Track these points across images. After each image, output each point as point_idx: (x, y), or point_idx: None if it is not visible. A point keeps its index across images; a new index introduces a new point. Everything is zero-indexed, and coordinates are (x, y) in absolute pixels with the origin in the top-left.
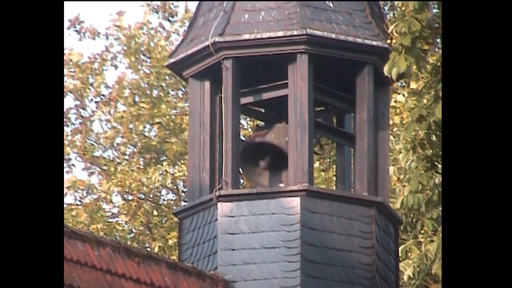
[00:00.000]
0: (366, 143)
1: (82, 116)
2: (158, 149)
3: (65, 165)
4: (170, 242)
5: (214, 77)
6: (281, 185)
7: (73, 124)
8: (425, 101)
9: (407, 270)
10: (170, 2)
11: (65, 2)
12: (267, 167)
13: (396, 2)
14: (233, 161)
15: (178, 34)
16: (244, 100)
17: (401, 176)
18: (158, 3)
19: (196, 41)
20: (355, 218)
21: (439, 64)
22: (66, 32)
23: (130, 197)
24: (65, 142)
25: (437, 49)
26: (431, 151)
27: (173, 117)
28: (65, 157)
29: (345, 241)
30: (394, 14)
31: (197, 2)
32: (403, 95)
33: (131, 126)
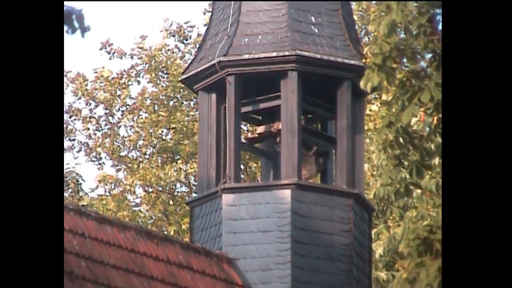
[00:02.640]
0: (345, 145)
1: (110, 123)
2: (173, 150)
3: (96, 163)
4: (183, 226)
5: (219, 90)
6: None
7: (103, 129)
8: (394, 110)
9: (378, 249)
10: (185, 27)
11: (97, 27)
12: None
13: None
14: (235, 160)
15: (191, 55)
16: (244, 109)
17: (374, 172)
18: (175, 28)
19: (204, 60)
20: (336, 207)
21: (405, 79)
22: (98, 52)
23: (150, 190)
24: (97, 144)
25: (403, 67)
26: (398, 151)
27: (186, 123)
28: (97, 156)
29: (328, 226)
30: (368, 38)
31: (206, 27)
32: (376, 105)
33: (151, 130)
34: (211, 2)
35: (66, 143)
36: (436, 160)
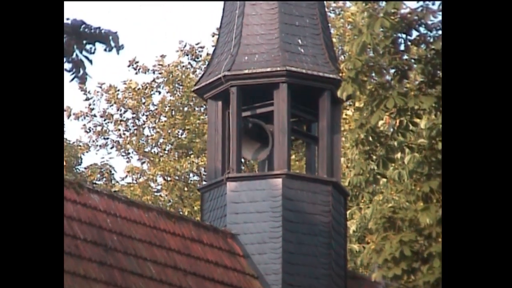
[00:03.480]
0: (325, 142)
1: (137, 125)
2: (187, 146)
3: (125, 157)
4: (195, 208)
5: (224, 98)
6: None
7: (131, 130)
8: (364, 114)
9: (352, 226)
10: (196, 48)
11: (126, 47)
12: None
13: (345, 48)
14: (237, 155)
15: (201, 70)
16: (244, 114)
17: (349, 164)
18: (188, 48)
19: (212, 74)
20: (318, 192)
21: (373, 90)
22: (126, 68)
23: (168, 179)
24: (126, 141)
25: (372, 80)
26: (368, 147)
27: (198, 125)
28: (126, 151)
29: (312, 207)
30: (344, 56)
31: (213, 48)
32: (350, 110)
33: (169, 131)
34: (218, 27)
35: (101, 141)
36: (398, 155)
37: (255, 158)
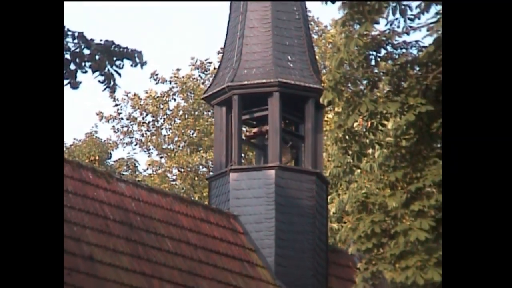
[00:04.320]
0: (310, 140)
1: (156, 126)
2: (197, 144)
3: (147, 152)
4: (204, 194)
5: (228, 104)
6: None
7: (151, 130)
8: (342, 117)
9: (332, 209)
10: (205, 63)
11: (148, 62)
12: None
13: (326, 63)
14: (238, 150)
15: (209, 81)
16: (244, 117)
17: (329, 159)
18: (198, 63)
19: (218, 85)
20: (304, 181)
21: (349, 97)
22: (148, 80)
23: (182, 170)
24: (147, 140)
25: (348, 89)
26: (345, 144)
27: (206, 126)
28: (147, 148)
29: (299, 193)
30: (325, 69)
31: (219, 63)
32: (331, 114)
33: (183, 131)
34: (223, 46)
35: (127, 140)
36: (370, 150)
37: (254, 154)
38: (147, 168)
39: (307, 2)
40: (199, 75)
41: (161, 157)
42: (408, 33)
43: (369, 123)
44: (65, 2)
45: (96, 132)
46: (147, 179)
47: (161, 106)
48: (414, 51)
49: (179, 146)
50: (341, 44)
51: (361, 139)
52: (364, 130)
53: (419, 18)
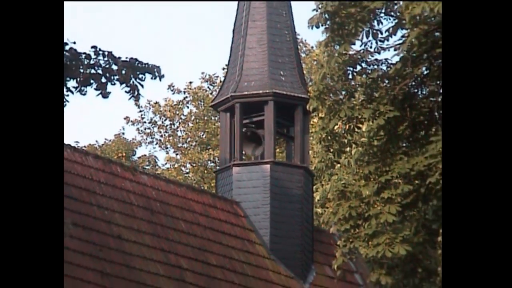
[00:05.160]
0: (299, 139)
1: (172, 128)
2: (206, 143)
3: (165, 150)
4: (212, 184)
5: (231, 111)
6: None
7: (168, 132)
8: (325, 121)
9: (316, 196)
10: (213, 77)
11: (166, 76)
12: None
13: (312, 77)
14: (240, 148)
15: (216, 92)
16: (244, 121)
17: (314, 155)
18: (207, 77)
19: (222, 95)
20: (294, 174)
21: (331, 104)
22: (166, 90)
23: (194, 165)
24: (166, 139)
25: (330, 98)
26: (327, 143)
27: (214, 128)
28: (166, 146)
29: (290, 184)
30: (311, 82)
31: (224, 77)
32: (316, 119)
33: (194, 133)
34: (227, 63)
35: (149, 140)
36: (348, 149)
37: (253, 154)
38: (165, 163)
39: (296, 27)
40: (208, 87)
41: (176, 154)
42: (379, 53)
43: (347, 126)
44: (94, 24)
45: (123, 133)
46: (165, 172)
47: (177, 112)
48: (384, 67)
49: (191, 145)
50: (324, 61)
51: (341, 139)
52: (343, 132)
53: (387, 40)
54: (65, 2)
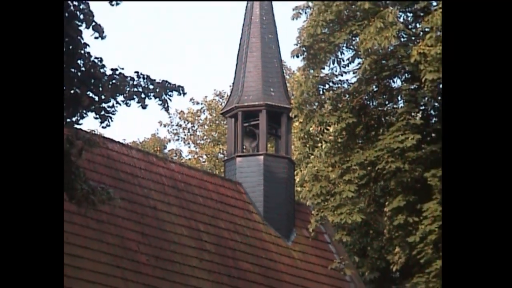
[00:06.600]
0: (284, 138)
1: (193, 130)
2: (218, 140)
3: (187, 146)
4: (221, 170)
5: (235, 117)
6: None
7: (190, 132)
8: (303, 125)
9: (297, 179)
10: (222, 92)
11: (188, 92)
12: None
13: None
14: (241, 146)
15: (224, 103)
16: (245, 125)
17: (295, 149)
18: (218, 92)
19: (229, 105)
20: (281, 163)
21: (307, 113)
22: (188, 102)
23: (208, 156)
24: (187, 138)
25: (307, 107)
26: (305, 140)
27: (223, 130)
28: (188, 142)
29: (279, 171)
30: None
31: (230, 93)
32: (297, 123)
33: (209, 133)
34: (232, 82)
35: (176, 138)
36: (319, 144)
37: (251, 148)
38: (188, 155)
39: (282, 56)
40: (218, 100)
41: (196, 148)
42: (342, 75)
43: (319, 128)
44: (128, 49)
45: (157, 133)
46: (188, 161)
47: (196, 118)
48: (345, 85)
49: (207, 142)
50: (302, 81)
51: (314, 137)
52: (316, 132)
53: (348, 66)
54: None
